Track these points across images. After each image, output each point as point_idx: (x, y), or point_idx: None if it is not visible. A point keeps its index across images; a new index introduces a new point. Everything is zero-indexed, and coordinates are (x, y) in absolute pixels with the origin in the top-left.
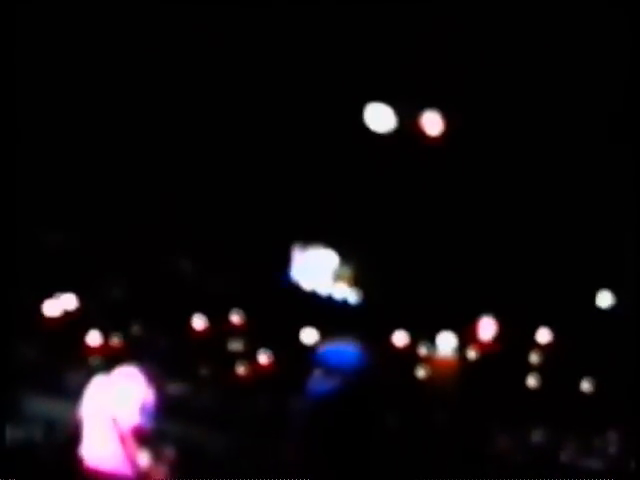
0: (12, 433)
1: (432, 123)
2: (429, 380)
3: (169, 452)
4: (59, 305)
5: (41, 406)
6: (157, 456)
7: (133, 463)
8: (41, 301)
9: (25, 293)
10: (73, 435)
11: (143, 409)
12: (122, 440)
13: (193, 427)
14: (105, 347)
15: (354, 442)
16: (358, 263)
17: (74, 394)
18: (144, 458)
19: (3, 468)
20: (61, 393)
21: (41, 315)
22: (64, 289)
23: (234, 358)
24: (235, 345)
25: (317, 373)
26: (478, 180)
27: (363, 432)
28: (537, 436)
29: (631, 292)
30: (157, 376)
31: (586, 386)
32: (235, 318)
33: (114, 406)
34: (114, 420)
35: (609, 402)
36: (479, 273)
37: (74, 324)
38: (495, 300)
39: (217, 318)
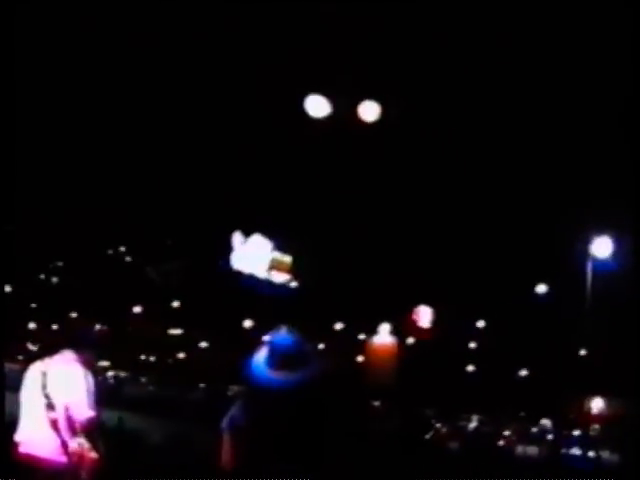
0: None
1: (368, 111)
2: (368, 366)
3: (104, 439)
4: None
5: None
6: (91, 443)
7: (66, 449)
8: None
9: None
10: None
11: (79, 395)
12: (56, 426)
13: (130, 414)
14: (43, 334)
15: (313, 431)
16: (296, 252)
17: (12, 384)
18: (78, 444)
19: None
20: None
21: None
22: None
23: (174, 345)
24: (175, 332)
25: (262, 362)
26: (413, 168)
27: (320, 423)
28: (475, 422)
29: (565, 281)
30: (93, 362)
31: (523, 373)
32: (175, 305)
33: (50, 391)
34: (49, 405)
35: (545, 389)
36: (417, 261)
37: (11, 312)
38: (433, 288)
39: (157, 305)
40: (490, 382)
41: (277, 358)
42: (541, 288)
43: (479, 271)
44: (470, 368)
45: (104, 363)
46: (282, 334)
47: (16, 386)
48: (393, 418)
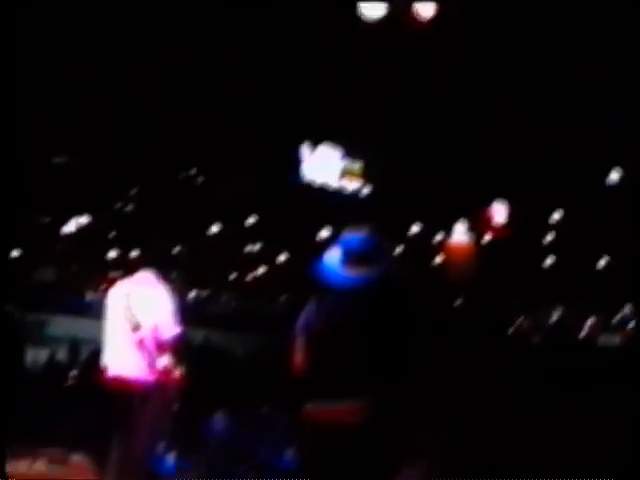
0: (36, 354)
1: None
2: (445, 267)
3: (188, 358)
4: (74, 225)
5: (64, 326)
6: (177, 361)
7: (154, 368)
8: (57, 223)
9: (39, 217)
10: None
11: (163, 313)
12: (142, 346)
13: (214, 331)
14: (124, 262)
15: (391, 329)
16: (367, 157)
17: (96, 311)
18: (164, 363)
19: (28, 389)
20: (83, 311)
21: (57, 237)
22: (79, 209)
23: (253, 261)
24: (253, 248)
25: (334, 261)
26: (482, 65)
27: (398, 320)
28: (556, 315)
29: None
30: (174, 281)
31: (602, 263)
32: (251, 221)
33: (134, 312)
34: (134, 326)
35: (625, 278)
36: (489, 159)
37: (90, 243)
38: (506, 185)
39: (233, 223)
40: (569, 274)
41: (349, 256)
42: (615, 175)
43: (552, 161)
44: (548, 261)
45: (185, 283)
46: (354, 232)
47: (101, 314)
48: (474, 316)
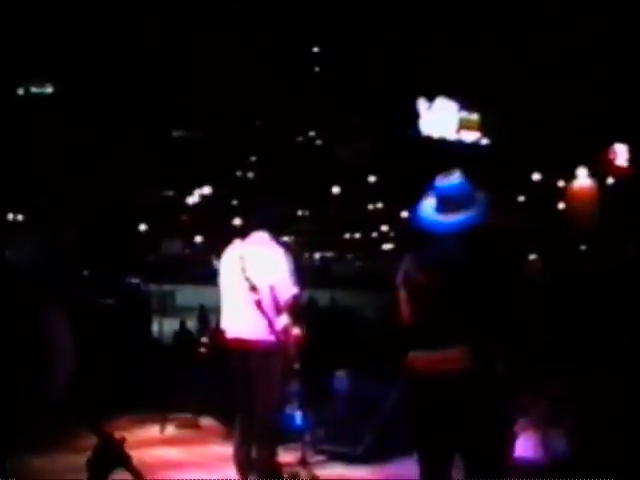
0: (167, 324)
1: None
2: (570, 211)
3: (311, 319)
4: (198, 196)
5: (193, 295)
6: (295, 320)
7: (273, 328)
8: (181, 196)
9: (164, 190)
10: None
11: (280, 274)
12: (260, 306)
13: (341, 292)
14: (248, 229)
15: (490, 276)
16: (483, 109)
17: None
18: (284, 323)
19: (159, 358)
20: (210, 280)
21: (182, 208)
22: (201, 181)
23: (376, 220)
24: (375, 207)
25: (429, 208)
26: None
27: (496, 266)
28: None
29: None
30: (294, 243)
31: None
32: (371, 180)
33: (250, 273)
34: (251, 287)
35: None
36: (608, 102)
37: (214, 212)
38: (626, 126)
39: (354, 183)
40: None
41: (442, 201)
42: None
43: None
44: None
45: (305, 245)
46: (446, 178)
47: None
48: (600, 261)
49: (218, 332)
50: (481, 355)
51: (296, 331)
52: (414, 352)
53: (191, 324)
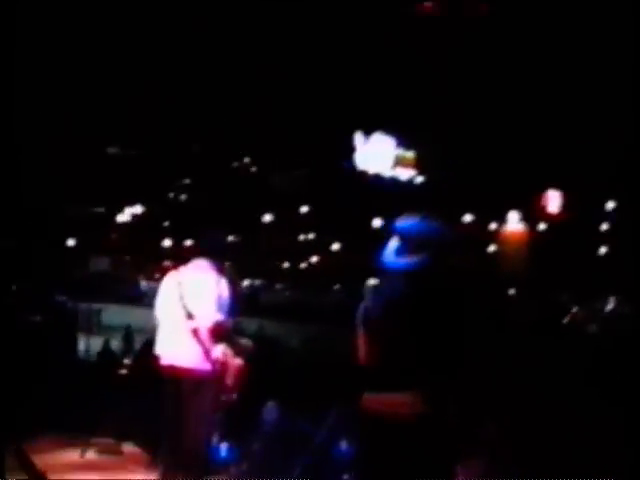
0: (92, 343)
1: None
2: (500, 255)
3: (246, 344)
4: (129, 215)
5: (119, 314)
6: (234, 349)
7: (209, 357)
8: (111, 213)
9: (94, 207)
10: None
11: (217, 302)
12: (197, 334)
13: (268, 320)
14: (177, 251)
15: (448, 316)
16: (420, 147)
17: (150, 300)
18: (221, 351)
19: (82, 377)
20: (138, 300)
21: (112, 227)
22: (133, 200)
23: (306, 250)
24: (306, 237)
25: (393, 245)
26: (533, 52)
27: (454, 307)
28: (612, 304)
29: None
30: (227, 269)
31: None
32: (304, 210)
33: (187, 301)
34: (188, 315)
35: None
36: (543, 147)
37: (144, 232)
38: (560, 172)
39: (286, 212)
40: (624, 262)
41: (402, 241)
42: None
43: (606, 149)
44: (603, 250)
45: (238, 272)
46: (408, 218)
47: (154, 302)
48: (528, 305)
49: (150, 357)
50: (432, 400)
51: (237, 361)
52: (368, 393)
53: (116, 344)
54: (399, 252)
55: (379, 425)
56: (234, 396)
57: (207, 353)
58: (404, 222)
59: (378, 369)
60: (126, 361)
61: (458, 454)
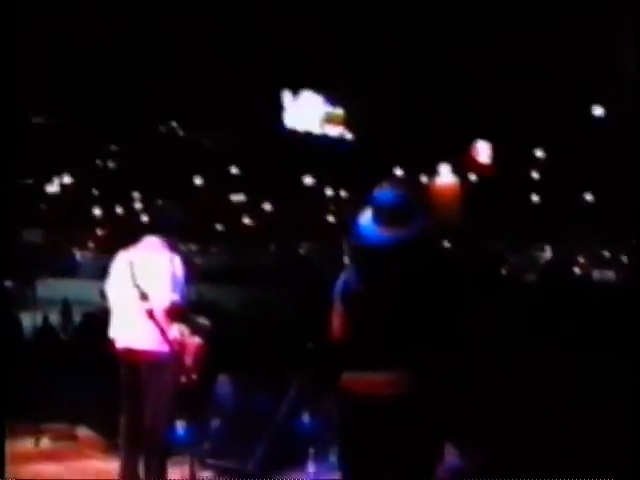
0: (31, 319)
1: None
2: (433, 208)
3: (203, 322)
4: (57, 185)
5: (56, 288)
6: (191, 328)
7: (167, 338)
8: (39, 185)
9: (21, 179)
10: (94, 314)
11: (172, 282)
12: (152, 315)
13: (206, 286)
14: (109, 220)
15: (437, 293)
16: (348, 103)
17: (86, 272)
18: (178, 331)
19: (25, 357)
20: (74, 272)
21: (41, 198)
22: (60, 170)
23: (238, 212)
24: (237, 198)
25: (369, 221)
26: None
27: (445, 283)
28: (548, 252)
29: (622, 103)
30: (177, 245)
31: (589, 198)
32: (234, 171)
33: (140, 281)
34: (142, 295)
35: (613, 213)
36: (470, 99)
37: (74, 202)
38: (489, 124)
39: (216, 174)
40: (556, 210)
41: (384, 214)
42: (598, 111)
43: (534, 98)
44: (535, 198)
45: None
46: (386, 189)
47: (91, 274)
48: (465, 257)
49: (90, 330)
50: (419, 380)
51: (195, 340)
52: (349, 373)
53: (53, 318)
54: (377, 223)
55: (361, 407)
56: (194, 376)
57: (164, 334)
58: (381, 192)
59: (358, 347)
60: (66, 335)
61: (444, 436)
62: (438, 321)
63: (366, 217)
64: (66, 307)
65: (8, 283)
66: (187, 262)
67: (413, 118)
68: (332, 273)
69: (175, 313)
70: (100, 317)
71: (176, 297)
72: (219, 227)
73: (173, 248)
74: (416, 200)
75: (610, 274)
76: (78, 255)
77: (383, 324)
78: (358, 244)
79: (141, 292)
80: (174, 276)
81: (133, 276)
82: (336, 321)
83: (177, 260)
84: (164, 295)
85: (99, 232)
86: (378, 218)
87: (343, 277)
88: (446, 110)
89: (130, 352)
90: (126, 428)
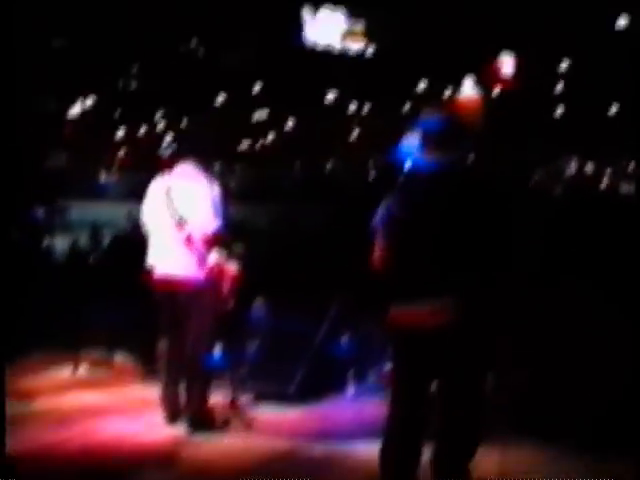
0: (61, 242)
1: None
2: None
3: (238, 247)
4: (79, 109)
5: (83, 211)
6: (227, 255)
7: (205, 266)
8: (62, 109)
9: (44, 102)
10: (123, 237)
11: (206, 207)
12: (190, 242)
13: (233, 206)
14: (133, 141)
15: (485, 219)
16: (369, 16)
17: (112, 194)
18: (214, 257)
19: (57, 280)
20: (100, 195)
21: (65, 121)
22: (82, 91)
23: (262, 129)
24: (260, 115)
25: (414, 146)
26: None
27: (492, 210)
28: (574, 164)
29: None
30: (212, 169)
31: (614, 110)
32: (257, 88)
33: (177, 207)
34: (179, 222)
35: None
36: (494, 10)
37: (97, 124)
38: (513, 36)
39: (238, 92)
40: (582, 122)
41: (430, 139)
42: (623, 21)
43: (558, 8)
44: (559, 111)
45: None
46: (431, 115)
47: (117, 195)
48: (492, 167)
49: (119, 252)
50: (466, 307)
51: (232, 267)
52: (396, 305)
53: (83, 242)
54: (423, 148)
55: (411, 338)
56: (230, 303)
57: (202, 261)
58: (428, 117)
59: (403, 276)
60: (95, 258)
61: (491, 363)
62: (486, 245)
63: (411, 142)
64: (95, 230)
65: (38, 209)
66: (222, 185)
67: (436, 30)
68: (357, 190)
69: (216, 240)
70: (129, 240)
71: (218, 224)
72: (243, 145)
73: (208, 171)
74: (461, 125)
75: (631, 188)
76: (103, 177)
77: (429, 250)
78: (402, 169)
79: (178, 219)
80: (215, 203)
81: (171, 203)
82: (378, 250)
83: (215, 186)
84: (206, 222)
85: (123, 153)
86: (424, 143)
87: (384, 205)
88: (470, 22)
89: (168, 280)
90: (166, 355)
